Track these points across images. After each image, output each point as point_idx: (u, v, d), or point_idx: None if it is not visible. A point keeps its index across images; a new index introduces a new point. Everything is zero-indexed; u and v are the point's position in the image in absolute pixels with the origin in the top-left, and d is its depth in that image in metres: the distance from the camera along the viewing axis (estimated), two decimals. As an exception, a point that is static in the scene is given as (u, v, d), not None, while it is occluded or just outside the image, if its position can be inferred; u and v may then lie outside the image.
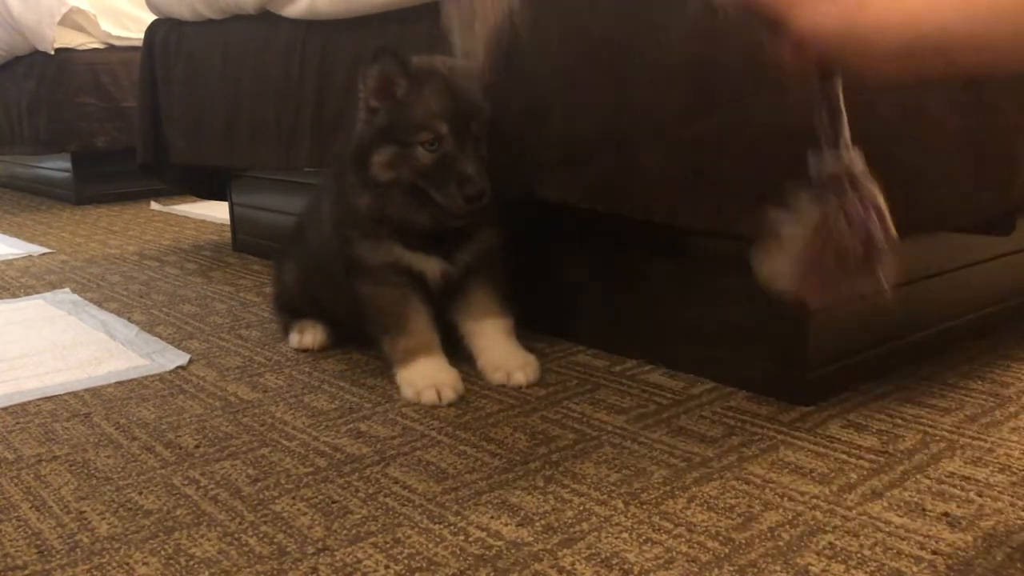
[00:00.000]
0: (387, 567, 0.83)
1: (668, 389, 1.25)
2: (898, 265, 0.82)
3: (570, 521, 0.89)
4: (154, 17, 2.32)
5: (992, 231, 1.16)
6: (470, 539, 0.87)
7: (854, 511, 0.89)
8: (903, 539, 0.84)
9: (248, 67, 1.96)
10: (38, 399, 1.30)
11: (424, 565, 0.83)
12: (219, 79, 2.06)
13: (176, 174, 2.41)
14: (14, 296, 1.99)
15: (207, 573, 0.83)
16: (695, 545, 0.84)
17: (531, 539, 0.86)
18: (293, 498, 0.97)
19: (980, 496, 0.92)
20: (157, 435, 1.16)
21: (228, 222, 2.48)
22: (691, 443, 1.07)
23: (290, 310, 1.56)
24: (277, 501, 0.96)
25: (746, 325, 1.22)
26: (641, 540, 0.85)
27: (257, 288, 1.96)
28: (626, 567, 0.81)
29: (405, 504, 0.94)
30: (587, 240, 1.44)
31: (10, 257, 2.48)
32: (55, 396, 1.31)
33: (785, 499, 0.92)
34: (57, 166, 3.75)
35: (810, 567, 0.80)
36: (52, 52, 3.40)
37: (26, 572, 0.84)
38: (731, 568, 0.80)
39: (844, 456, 1.02)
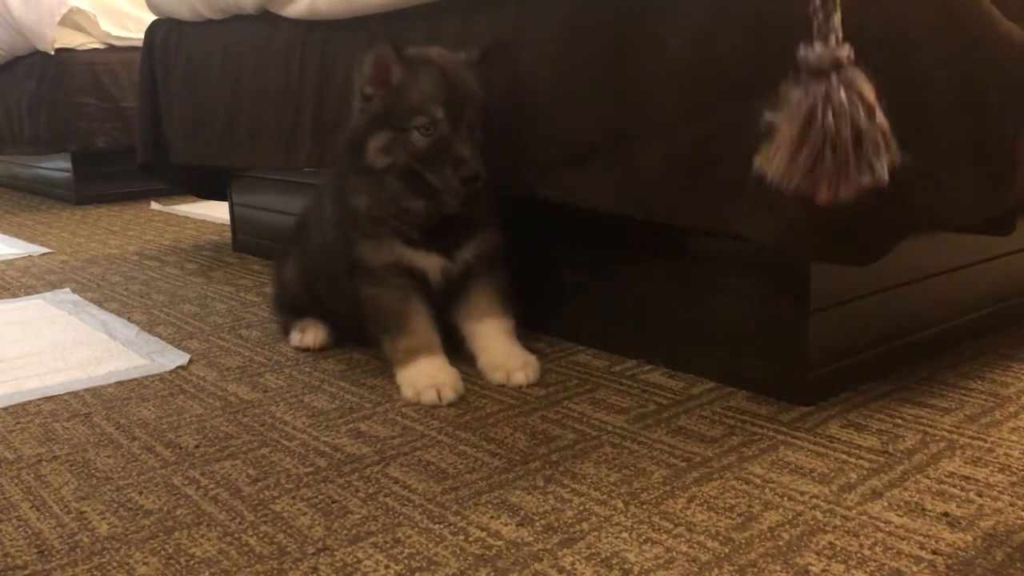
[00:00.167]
0: (387, 567, 0.83)
1: (668, 389, 1.25)
2: (893, 156, 0.83)
3: (570, 521, 0.89)
4: (154, 17, 2.32)
5: (992, 231, 1.16)
6: (470, 539, 0.87)
7: (854, 511, 0.89)
8: (903, 539, 0.84)
9: (248, 67, 1.96)
10: (38, 399, 1.30)
11: (424, 565, 0.83)
12: (219, 79, 2.06)
13: (176, 174, 2.41)
14: (14, 296, 1.99)
15: (207, 573, 0.83)
16: (695, 545, 0.84)
17: (531, 539, 0.86)
18: (293, 498, 0.97)
19: (980, 496, 0.92)
20: (157, 435, 1.16)
21: (228, 222, 2.48)
22: (691, 443, 1.07)
23: (291, 309, 1.56)
24: (277, 501, 0.96)
25: (746, 325, 1.22)
26: (641, 540, 0.85)
27: (257, 288, 1.96)
28: (626, 567, 0.81)
29: (405, 504, 0.94)
30: (587, 240, 1.44)
31: (10, 257, 2.48)
32: (55, 396, 1.31)
33: (785, 499, 0.92)
34: (57, 166, 3.75)
35: (810, 567, 0.80)
36: (52, 52, 3.41)
37: (26, 572, 0.84)
38: (731, 568, 0.80)
39: (844, 456, 1.02)
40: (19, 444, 1.15)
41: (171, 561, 0.85)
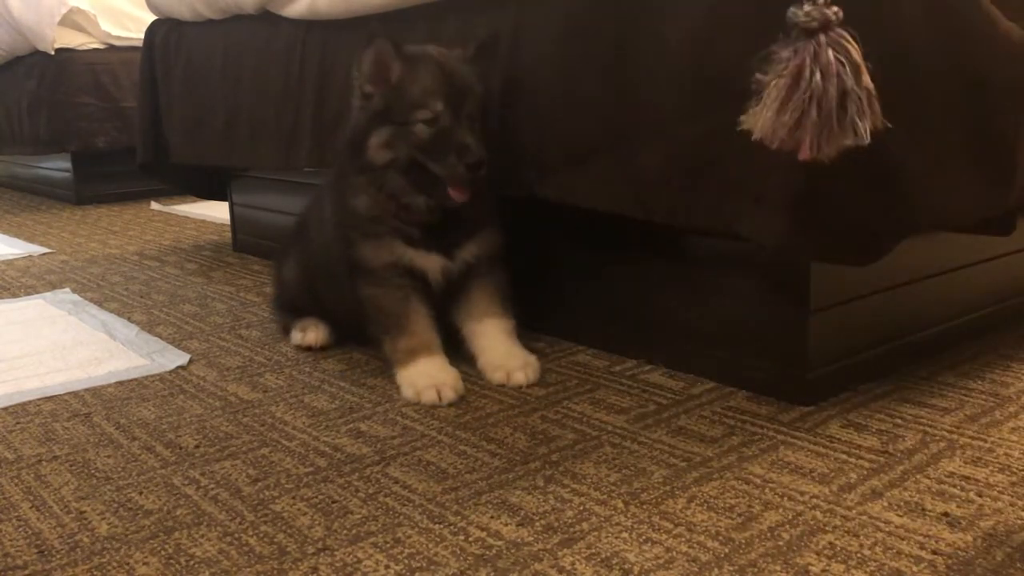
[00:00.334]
0: (387, 567, 0.83)
1: (668, 389, 1.25)
2: (876, 119, 0.85)
3: (570, 521, 0.89)
4: (154, 17, 2.32)
5: (992, 231, 1.16)
6: (470, 539, 0.87)
7: (854, 511, 0.89)
8: (903, 539, 0.84)
9: (248, 67, 1.96)
10: (38, 399, 1.30)
11: (424, 565, 0.83)
12: (219, 79, 2.06)
13: (176, 174, 2.41)
14: (14, 296, 1.99)
15: (207, 573, 0.83)
16: (695, 545, 0.84)
17: (531, 539, 0.86)
18: (293, 498, 0.97)
19: (980, 496, 0.92)
20: (157, 435, 1.16)
21: (228, 222, 2.48)
22: (691, 443, 1.07)
23: (291, 309, 1.56)
24: (277, 501, 0.96)
25: (746, 325, 1.22)
26: (641, 540, 0.85)
27: (257, 288, 1.96)
28: (626, 567, 0.81)
29: (405, 504, 0.94)
30: (587, 240, 1.44)
31: (10, 257, 2.48)
32: (55, 396, 1.31)
33: (785, 499, 0.92)
34: (57, 166, 3.75)
35: (810, 567, 0.80)
36: (52, 52, 3.41)
37: (26, 572, 0.84)
38: (731, 568, 0.80)
39: (844, 456, 1.02)
40: (19, 444, 1.15)
41: (171, 561, 0.85)
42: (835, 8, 0.85)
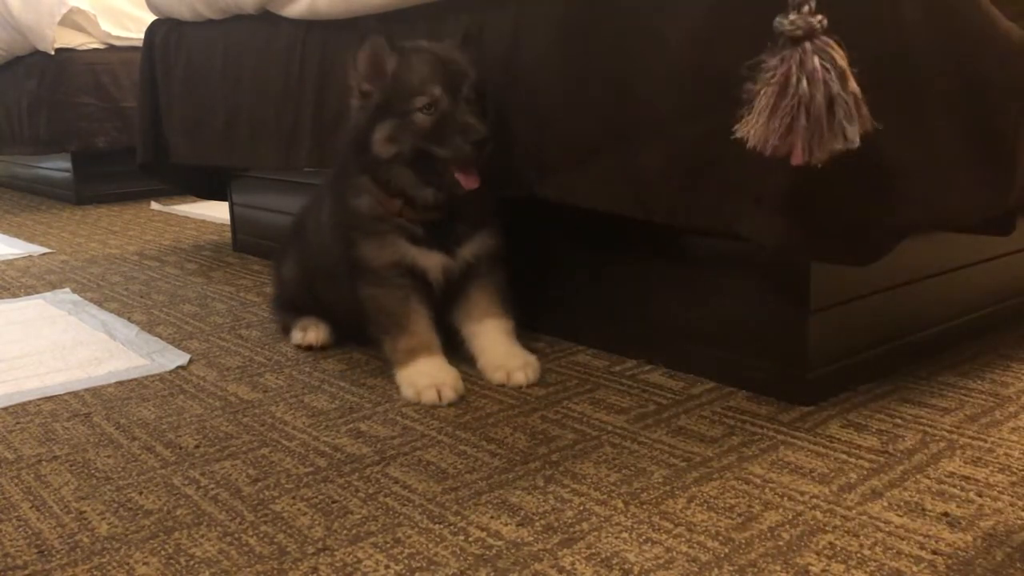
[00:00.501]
0: (387, 567, 0.83)
1: (668, 389, 1.25)
2: (865, 122, 0.87)
3: (570, 521, 0.89)
4: (154, 17, 2.32)
5: (992, 231, 1.16)
6: (470, 539, 0.87)
7: (854, 511, 0.89)
8: (903, 539, 0.84)
9: (248, 67, 1.96)
10: (38, 399, 1.30)
11: (424, 565, 0.83)
12: (219, 79, 2.06)
13: (176, 174, 2.41)
14: (14, 296, 1.99)
15: (207, 573, 0.83)
16: (695, 545, 0.84)
17: (531, 539, 0.86)
18: (293, 498, 0.97)
19: (980, 496, 0.92)
20: (157, 435, 1.16)
21: (228, 222, 2.48)
22: (691, 443, 1.07)
23: (291, 308, 1.56)
24: (277, 501, 0.96)
25: (746, 325, 1.22)
26: (641, 540, 0.85)
27: (257, 288, 1.96)
28: (626, 567, 0.81)
29: (405, 504, 0.94)
30: (587, 240, 1.44)
31: (10, 257, 2.48)
32: (55, 396, 1.31)
33: (785, 499, 0.92)
34: (57, 166, 3.75)
35: (810, 567, 0.80)
36: (52, 52, 3.41)
37: (26, 572, 0.84)
38: (731, 568, 0.80)
39: (844, 456, 1.02)
40: (19, 444, 1.15)
41: (171, 561, 0.85)
42: (819, 16, 0.87)
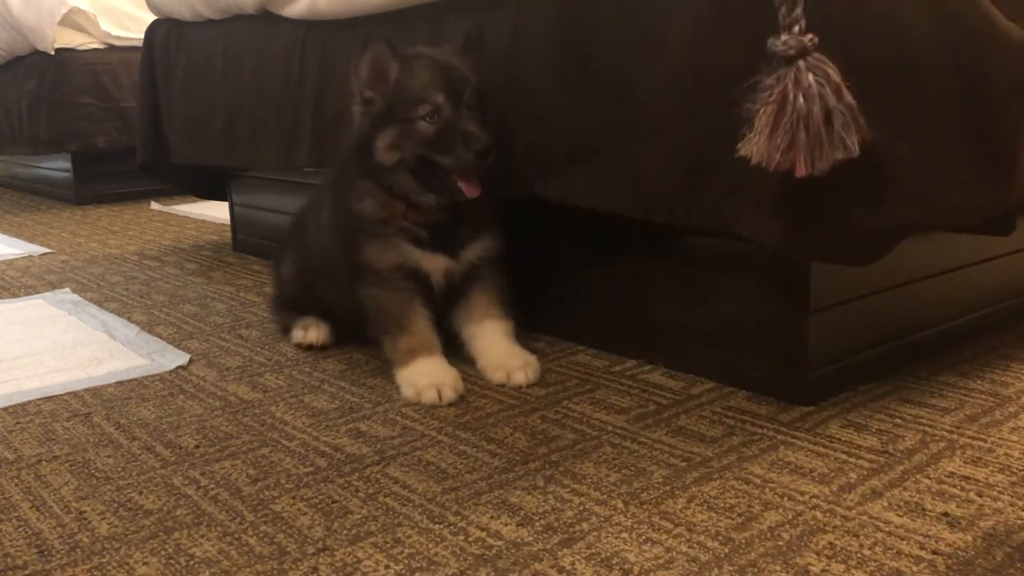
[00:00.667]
0: (387, 567, 0.83)
1: (668, 389, 1.25)
2: (863, 131, 0.91)
3: (570, 521, 0.89)
4: (154, 17, 2.32)
5: (992, 231, 1.16)
6: (470, 539, 0.87)
7: (854, 511, 0.89)
8: (903, 539, 0.84)
9: (248, 67, 1.96)
10: (38, 399, 1.30)
11: (424, 565, 0.83)
12: (219, 79, 2.06)
13: (176, 174, 2.41)
14: (14, 296, 1.99)
15: (207, 573, 0.83)
16: (695, 545, 0.84)
17: (531, 539, 0.86)
18: (293, 498, 0.97)
19: (980, 496, 0.92)
20: (157, 435, 1.16)
21: (228, 222, 2.48)
22: (691, 443, 1.07)
23: (291, 308, 1.57)
24: (277, 501, 0.96)
25: (746, 325, 1.22)
26: (641, 540, 0.85)
27: (257, 288, 1.96)
28: (626, 567, 0.81)
29: (405, 504, 0.94)
30: (587, 240, 1.44)
31: (10, 257, 2.48)
32: (55, 396, 1.31)
33: (785, 499, 0.92)
34: (57, 166, 3.75)
35: (810, 567, 0.80)
36: (52, 52, 3.41)
37: (26, 572, 0.84)
38: (731, 568, 0.80)
39: (844, 456, 1.02)
40: (19, 444, 1.15)
41: (171, 561, 0.85)
42: (810, 35, 0.90)
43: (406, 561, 0.83)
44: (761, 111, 0.92)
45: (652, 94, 1.14)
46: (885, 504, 0.91)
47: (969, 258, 1.38)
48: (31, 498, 0.99)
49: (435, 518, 0.91)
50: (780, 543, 0.84)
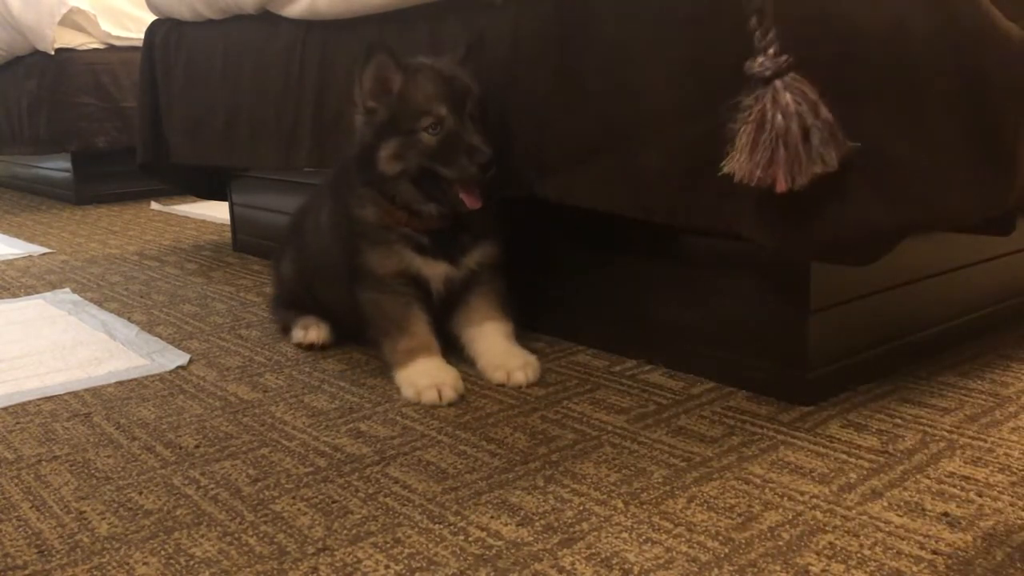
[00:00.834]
0: (387, 567, 0.83)
1: (668, 389, 1.25)
2: (840, 145, 0.94)
3: (570, 521, 0.89)
4: (154, 17, 2.32)
5: (992, 231, 1.16)
6: (470, 539, 0.87)
7: (854, 511, 0.89)
8: (903, 539, 0.84)
9: (248, 67, 1.96)
10: (38, 399, 1.30)
11: (424, 565, 0.83)
12: (219, 79, 2.06)
13: (176, 174, 2.41)
14: (14, 296, 1.99)
15: (207, 573, 0.83)
16: (695, 545, 0.84)
17: (531, 539, 0.86)
18: (293, 498, 0.97)
19: (980, 496, 0.92)
20: (157, 435, 1.16)
21: (228, 222, 2.48)
22: (691, 443, 1.07)
23: (291, 306, 1.57)
24: (277, 501, 0.96)
25: (746, 325, 1.22)
26: (641, 540, 0.85)
27: (257, 288, 1.96)
28: (626, 567, 0.81)
29: (405, 504, 0.94)
30: (587, 240, 1.44)
31: (10, 257, 2.48)
32: (55, 396, 1.31)
33: (785, 499, 0.92)
34: (57, 166, 3.75)
35: (810, 567, 0.80)
36: (52, 52, 3.41)
37: (26, 572, 0.84)
38: (731, 568, 0.80)
39: (844, 456, 1.02)
40: (19, 444, 1.15)
41: (171, 561, 0.85)
42: (784, 56, 0.93)
43: (406, 561, 0.83)
44: (742, 130, 0.96)
45: (651, 94, 1.14)
46: (885, 504, 0.91)
47: (969, 258, 1.38)
48: (31, 498, 0.99)
49: (435, 518, 0.91)
50: (780, 543, 0.84)
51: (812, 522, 0.88)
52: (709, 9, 1.07)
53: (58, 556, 0.87)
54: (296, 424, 1.18)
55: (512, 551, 0.84)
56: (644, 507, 0.92)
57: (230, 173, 2.37)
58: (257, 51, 1.93)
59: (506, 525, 0.89)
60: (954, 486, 0.94)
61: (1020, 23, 1.07)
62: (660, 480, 0.98)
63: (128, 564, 0.85)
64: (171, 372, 1.41)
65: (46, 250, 2.57)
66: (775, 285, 1.19)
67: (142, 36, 2.36)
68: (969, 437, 1.06)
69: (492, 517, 0.91)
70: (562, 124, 1.26)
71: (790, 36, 0.95)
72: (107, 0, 3.52)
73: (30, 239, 2.78)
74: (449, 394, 1.22)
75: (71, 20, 3.43)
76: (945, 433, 1.07)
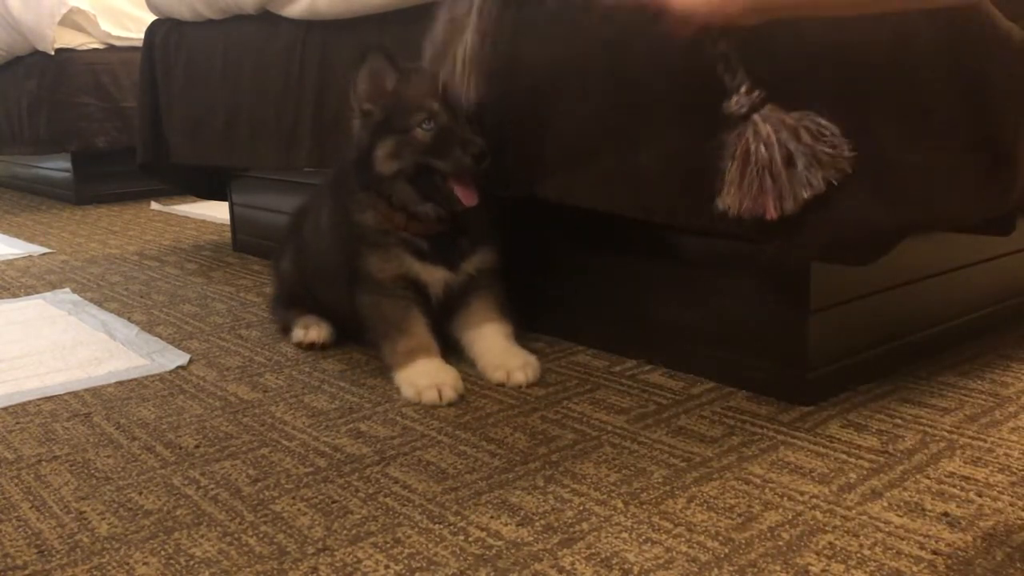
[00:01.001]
0: (387, 567, 0.83)
1: (668, 389, 1.25)
2: (824, 166, 0.96)
3: (570, 521, 0.89)
4: (154, 17, 2.32)
5: (992, 231, 1.16)
6: (470, 539, 0.87)
7: (854, 511, 0.89)
8: (903, 539, 0.84)
9: (248, 67, 1.96)
10: (38, 399, 1.30)
11: (424, 565, 0.83)
12: (219, 79, 2.06)
13: (176, 174, 2.41)
14: (14, 296, 1.99)
15: (207, 573, 0.83)
16: (695, 545, 0.84)
17: (531, 539, 0.86)
18: (293, 498, 0.97)
19: (980, 496, 0.92)
20: (157, 435, 1.16)
21: (228, 222, 2.48)
22: (691, 443, 1.07)
23: (291, 305, 1.57)
24: (277, 501, 0.96)
25: (746, 325, 1.22)
26: (641, 540, 0.85)
27: (257, 288, 1.96)
28: (626, 567, 0.81)
29: (405, 504, 0.94)
30: (587, 240, 1.44)
31: (10, 257, 2.48)
32: (55, 396, 1.31)
33: (785, 499, 0.92)
34: (57, 166, 3.74)
35: (810, 567, 0.80)
36: (52, 52, 3.40)
37: (26, 572, 0.84)
38: (731, 568, 0.80)
39: (844, 456, 1.02)
40: (19, 444, 1.15)
41: (171, 561, 0.85)
42: (757, 92, 0.96)
43: (406, 561, 0.83)
44: (729, 167, 0.98)
45: (652, 94, 1.14)
46: (885, 504, 0.91)
47: (969, 258, 1.38)
48: (31, 498, 0.99)
49: (435, 518, 0.91)
50: (780, 543, 0.84)
51: (812, 522, 0.88)
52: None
53: (58, 556, 0.87)
54: (296, 424, 1.18)
55: (512, 551, 0.84)
56: (644, 507, 0.92)
57: (230, 173, 2.37)
58: (257, 51, 1.93)
59: (506, 525, 0.89)
60: (954, 486, 0.94)
61: (1020, 23, 1.07)
62: (660, 480, 0.98)
63: (128, 564, 0.85)
64: (171, 372, 1.41)
65: (46, 250, 2.57)
66: (775, 285, 1.19)
67: (142, 36, 2.35)
68: (969, 437, 1.06)
69: (492, 517, 0.91)
70: (562, 124, 1.26)
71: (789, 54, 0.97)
72: (107, 0, 3.51)
73: (30, 239, 2.78)
74: (449, 394, 1.22)
75: (71, 20, 3.43)
76: (945, 433, 1.07)
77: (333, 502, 0.96)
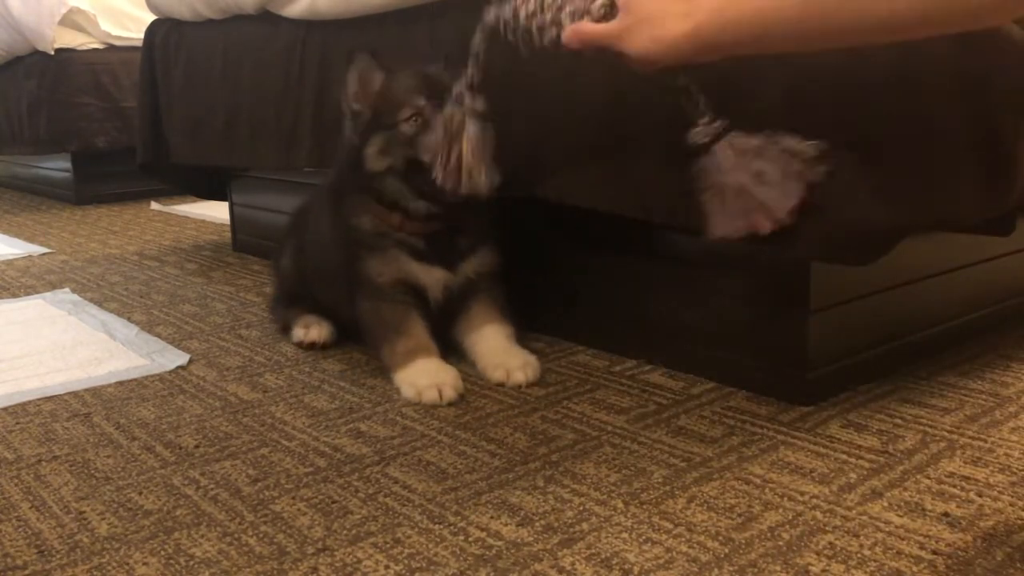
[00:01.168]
0: (387, 567, 0.83)
1: (668, 389, 1.25)
2: (802, 171, 0.97)
3: (570, 521, 0.89)
4: (154, 17, 2.32)
5: (992, 231, 1.16)
6: (470, 539, 0.87)
7: (854, 511, 0.89)
8: (903, 539, 0.84)
9: (248, 67, 1.96)
10: (38, 399, 1.30)
11: (424, 565, 0.83)
12: (219, 79, 2.06)
13: (176, 174, 2.41)
14: (14, 296, 1.99)
15: (207, 573, 0.83)
16: (695, 545, 0.84)
17: (531, 539, 0.86)
18: (293, 498, 0.97)
19: (980, 496, 0.92)
20: (157, 435, 1.16)
21: (228, 222, 2.48)
22: (691, 443, 1.07)
23: (291, 303, 1.57)
24: (277, 501, 0.96)
25: (746, 325, 1.22)
26: (641, 540, 0.85)
27: (257, 288, 1.96)
28: (626, 567, 0.81)
29: (405, 504, 0.94)
30: (587, 240, 1.44)
31: (10, 257, 2.48)
32: (55, 396, 1.31)
33: (785, 499, 0.92)
34: (57, 166, 3.74)
35: (810, 567, 0.80)
36: (52, 52, 3.40)
37: (26, 572, 0.84)
38: (731, 568, 0.80)
39: (844, 456, 1.02)
40: (19, 444, 1.15)
41: (171, 561, 0.85)
42: (718, 122, 0.97)
43: (406, 561, 0.83)
44: (706, 197, 1.00)
45: (651, 94, 1.14)
46: (885, 504, 0.91)
47: (969, 258, 1.38)
48: (31, 498, 0.99)
49: (435, 518, 0.91)
50: (780, 543, 0.84)
51: (812, 522, 0.88)
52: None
53: (58, 556, 0.87)
54: (296, 424, 1.18)
55: (512, 551, 0.84)
56: (644, 507, 0.92)
57: (230, 173, 2.37)
58: (257, 51, 1.93)
59: (506, 525, 0.89)
60: (954, 486, 0.94)
61: (1020, 23, 1.07)
62: (660, 480, 0.98)
63: (128, 564, 0.85)
64: (171, 372, 1.41)
65: (46, 250, 2.57)
66: (775, 285, 1.19)
67: (142, 36, 2.35)
68: (969, 437, 1.06)
69: (492, 517, 0.91)
70: (562, 125, 1.26)
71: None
72: (107, 0, 3.51)
73: (30, 239, 2.78)
74: (449, 393, 1.22)
75: (71, 20, 3.43)
76: (945, 433, 1.07)
77: (333, 502, 0.96)
